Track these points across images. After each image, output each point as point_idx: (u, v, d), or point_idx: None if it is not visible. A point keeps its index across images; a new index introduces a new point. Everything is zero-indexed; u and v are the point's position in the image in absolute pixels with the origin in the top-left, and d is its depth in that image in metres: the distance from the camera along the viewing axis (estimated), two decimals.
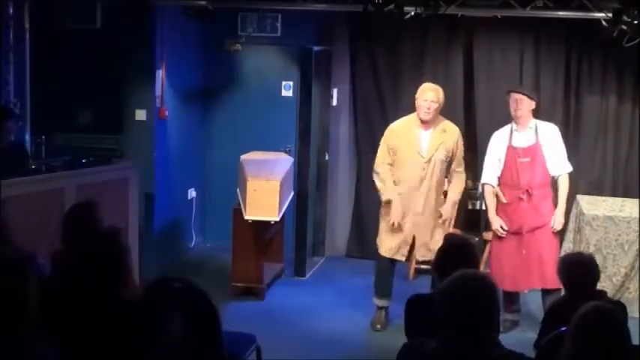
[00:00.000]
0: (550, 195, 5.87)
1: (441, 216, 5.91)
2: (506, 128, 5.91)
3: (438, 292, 2.72)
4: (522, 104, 5.78)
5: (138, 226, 6.18)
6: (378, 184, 5.96)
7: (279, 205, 6.33)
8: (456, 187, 6.02)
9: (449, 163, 5.92)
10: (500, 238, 5.89)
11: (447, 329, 2.67)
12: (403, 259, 6.02)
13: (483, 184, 6.02)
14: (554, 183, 5.90)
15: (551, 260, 5.69)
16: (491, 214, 5.92)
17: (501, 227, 5.81)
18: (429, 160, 5.81)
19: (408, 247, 5.91)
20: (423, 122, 5.82)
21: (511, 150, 5.83)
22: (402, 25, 6.48)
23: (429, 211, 5.87)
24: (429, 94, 5.80)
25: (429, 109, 5.76)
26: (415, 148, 5.83)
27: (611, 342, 2.74)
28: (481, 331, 2.65)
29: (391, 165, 5.91)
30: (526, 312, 6.18)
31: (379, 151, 6.01)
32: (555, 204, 5.83)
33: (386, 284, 6.02)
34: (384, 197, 5.92)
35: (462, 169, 6.03)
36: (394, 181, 5.89)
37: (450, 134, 5.90)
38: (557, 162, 5.84)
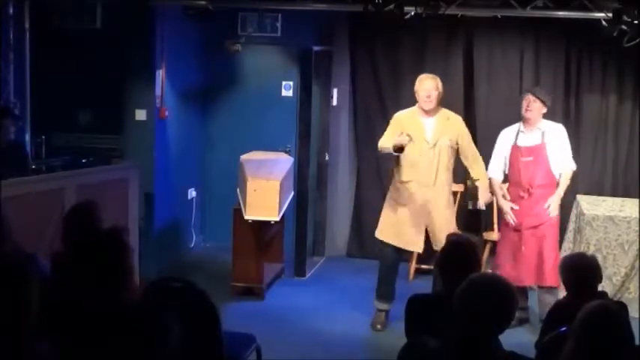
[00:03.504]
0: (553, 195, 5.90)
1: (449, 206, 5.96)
2: (514, 127, 5.98)
3: (458, 291, 2.72)
4: (534, 106, 5.83)
5: (138, 226, 6.18)
6: (383, 147, 5.86)
7: (279, 205, 6.32)
8: (481, 171, 5.98)
9: (456, 151, 5.91)
10: (505, 231, 5.97)
11: (457, 328, 2.67)
12: (420, 250, 5.99)
13: (490, 178, 6.07)
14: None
15: (550, 258, 5.76)
16: (501, 201, 6.00)
17: (512, 209, 5.87)
18: (435, 146, 5.81)
19: (422, 237, 5.87)
20: (426, 111, 5.84)
21: (515, 149, 5.91)
22: (402, 25, 6.48)
23: (438, 198, 5.85)
24: (427, 83, 5.84)
25: (429, 97, 5.79)
26: (421, 134, 5.82)
27: (615, 342, 2.74)
28: (489, 333, 2.66)
29: None
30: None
31: (383, 135, 5.97)
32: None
33: (388, 288, 6.01)
34: (393, 148, 5.70)
35: (477, 153, 6.01)
36: (402, 172, 5.87)
37: (453, 122, 5.94)
38: (562, 161, 5.90)
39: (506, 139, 5.99)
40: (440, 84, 5.88)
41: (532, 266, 5.82)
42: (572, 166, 5.96)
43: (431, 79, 5.88)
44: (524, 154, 5.86)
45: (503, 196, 5.96)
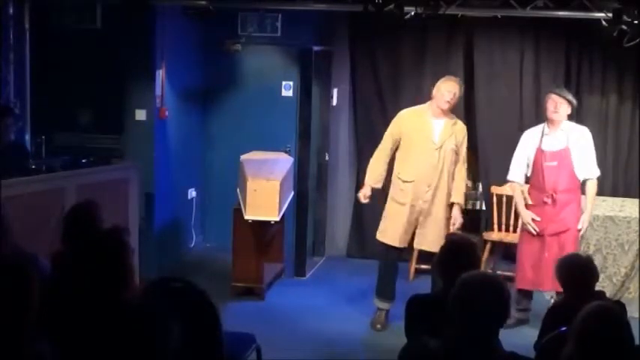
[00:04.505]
0: (576, 200, 5.81)
1: (449, 218, 5.92)
2: (538, 129, 5.87)
3: (451, 295, 2.72)
4: (561, 108, 5.72)
5: (138, 226, 6.18)
6: (368, 170, 6.05)
7: (279, 205, 6.32)
8: (459, 193, 5.97)
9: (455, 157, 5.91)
10: (526, 236, 5.87)
11: (455, 328, 2.67)
12: (404, 245, 5.99)
13: (509, 181, 6.01)
14: (583, 187, 5.85)
15: None
16: (522, 209, 5.89)
17: (533, 220, 5.77)
18: (441, 147, 5.79)
19: (410, 235, 5.88)
20: (440, 111, 5.82)
21: (539, 153, 5.78)
22: (402, 25, 6.48)
23: (438, 200, 5.84)
24: (452, 85, 5.82)
25: (451, 99, 5.77)
26: (427, 134, 5.81)
27: (615, 342, 2.74)
28: (487, 332, 2.66)
29: (396, 150, 5.91)
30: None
31: (384, 136, 6.01)
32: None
33: (388, 287, 6.00)
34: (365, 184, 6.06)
35: (465, 173, 6.03)
36: (404, 171, 5.87)
37: (459, 128, 5.92)
38: (586, 166, 5.79)
39: (530, 141, 5.86)
40: (462, 91, 5.92)
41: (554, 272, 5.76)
42: (596, 173, 5.83)
43: (457, 82, 5.89)
44: (549, 158, 5.73)
45: (525, 200, 5.84)
